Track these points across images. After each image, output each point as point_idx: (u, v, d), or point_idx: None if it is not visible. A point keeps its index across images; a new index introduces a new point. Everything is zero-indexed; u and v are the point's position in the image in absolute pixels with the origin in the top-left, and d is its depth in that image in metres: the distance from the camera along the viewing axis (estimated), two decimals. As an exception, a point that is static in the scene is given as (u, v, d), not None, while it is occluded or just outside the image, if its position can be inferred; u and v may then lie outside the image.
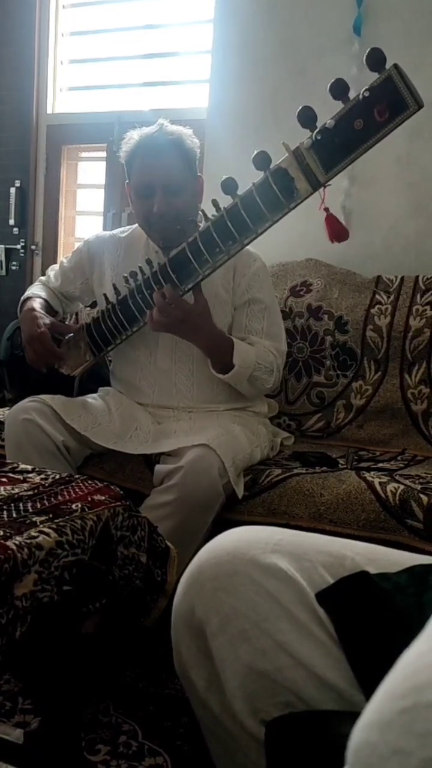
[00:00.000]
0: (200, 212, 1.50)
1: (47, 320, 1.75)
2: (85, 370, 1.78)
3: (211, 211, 1.45)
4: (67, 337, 1.79)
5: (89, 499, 1.03)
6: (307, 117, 1.25)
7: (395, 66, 1.16)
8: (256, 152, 1.32)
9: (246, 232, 1.40)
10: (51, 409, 1.57)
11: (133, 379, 1.76)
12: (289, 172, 1.31)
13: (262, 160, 1.32)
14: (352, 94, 1.22)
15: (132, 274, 1.61)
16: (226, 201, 1.41)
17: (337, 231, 1.39)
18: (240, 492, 1.49)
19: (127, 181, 1.71)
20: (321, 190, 1.30)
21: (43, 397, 1.60)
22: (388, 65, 1.17)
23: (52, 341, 1.73)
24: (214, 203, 1.43)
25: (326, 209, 1.34)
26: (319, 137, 1.25)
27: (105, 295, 1.70)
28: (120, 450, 1.57)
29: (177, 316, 1.52)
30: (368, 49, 1.17)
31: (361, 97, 1.20)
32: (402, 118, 1.18)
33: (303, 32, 2.28)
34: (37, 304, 1.80)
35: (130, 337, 1.68)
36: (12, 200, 2.99)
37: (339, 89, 1.21)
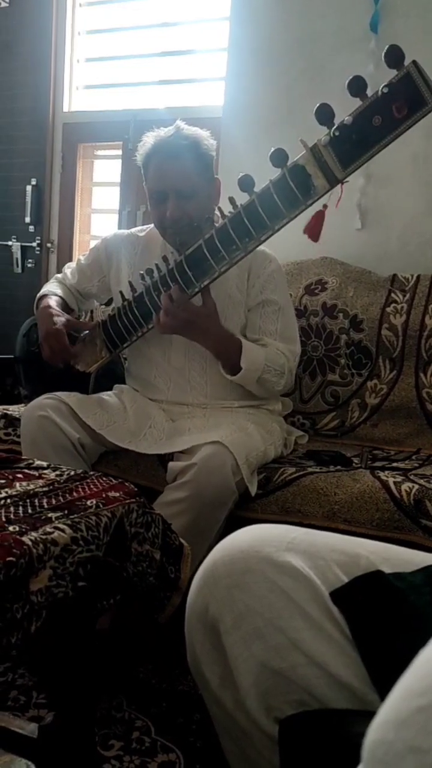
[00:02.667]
0: (217, 210, 1.50)
1: (63, 318, 1.76)
2: (101, 367, 1.79)
3: (227, 209, 1.45)
4: (83, 334, 1.79)
5: (104, 495, 1.03)
6: (324, 114, 1.25)
7: (414, 63, 1.16)
8: (273, 149, 1.32)
9: (263, 228, 1.40)
10: (67, 406, 1.58)
11: (148, 376, 1.77)
12: (307, 169, 1.30)
13: (279, 157, 1.32)
14: (369, 92, 1.22)
15: (148, 272, 1.61)
16: (242, 198, 1.41)
17: (314, 230, 1.39)
18: (253, 490, 1.49)
19: (144, 182, 1.71)
20: (338, 186, 1.29)
21: (59, 394, 1.61)
22: (406, 62, 1.17)
23: (68, 338, 1.74)
24: (231, 200, 1.43)
25: (324, 206, 1.34)
26: (336, 134, 1.25)
27: (121, 292, 1.71)
28: (134, 450, 1.58)
29: (184, 318, 1.53)
30: (387, 46, 1.17)
31: (379, 93, 1.19)
32: (421, 114, 1.17)
33: (319, 29, 2.27)
34: (53, 301, 1.81)
35: (145, 334, 1.68)
36: (28, 198, 3.01)
37: (357, 86, 1.21)
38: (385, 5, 2.15)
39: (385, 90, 1.19)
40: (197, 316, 1.55)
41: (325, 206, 1.34)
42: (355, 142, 1.24)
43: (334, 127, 1.25)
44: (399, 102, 1.17)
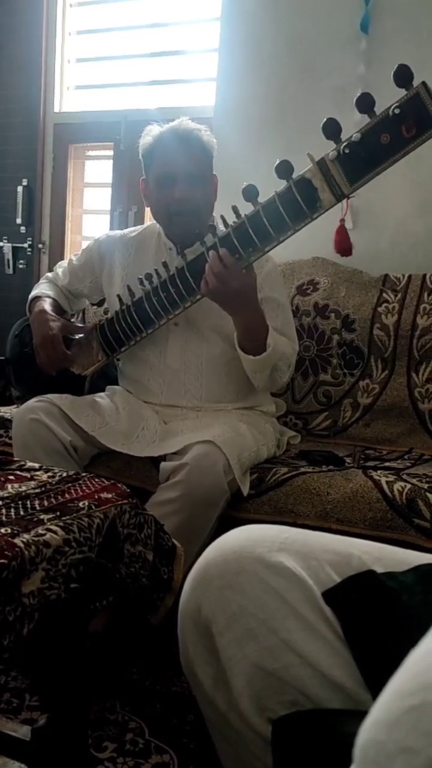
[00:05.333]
0: (221, 217, 1.49)
1: (59, 323, 1.75)
2: (97, 371, 1.78)
3: (228, 215, 1.44)
4: (78, 337, 1.78)
5: (96, 497, 1.03)
6: (331, 129, 1.26)
7: (423, 84, 1.18)
8: (278, 161, 1.32)
9: (267, 239, 1.40)
10: (58, 408, 1.57)
11: (142, 378, 1.76)
12: (313, 182, 1.31)
13: (284, 169, 1.32)
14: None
15: (147, 277, 1.60)
16: (244, 207, 1.41)
17: (343, 245, 1.41)
18: (245, 489, 1.49)
19: (142, 177, 1.71)
20: (344, 201, 1.30)
21: (51, 396, 1.60)
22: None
23: (63, 343, 1.73)
24: (234, 209, 1.42)
25: (341, 221, 1.35)
26: (346, 151, 1.25)
27: (119, 296, 1.70)
28: (127, 452, 1.58)
29: (234, 287, 1.46)
30: (396, 65, 1.17)
31: (390, 114, 1.20)
32: (429, 135, 1.18)
33: (310, 30, 2.27)
34: (47, 305, 1.80)
35: (144, 339, 1.68)
36: (19, 199, 3.00)
37: (365, 103, 1.21)
38: (376, 6, 2.15)
39: (396, 111, 1.19)
40: (246, 286, 1.48)
41: (341, 220, 1.37)
42: (364, 158, 1.25)
43: (344, 144, 1.26)
44: (408, 122, 1.18)
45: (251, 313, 1.55)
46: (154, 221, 1.79)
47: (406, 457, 1.76)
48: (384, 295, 2.00)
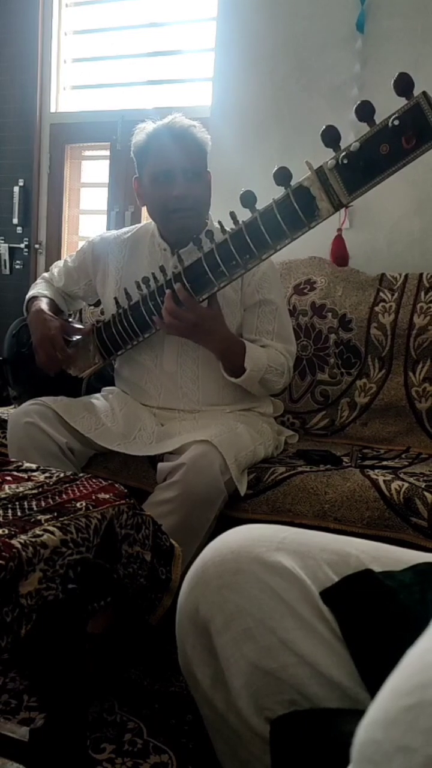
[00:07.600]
0: (217, 224, 1.49)
1: (57, 322, 1.74)
2: (94, 373, 1.78)
3: (224, 216, 1.44)
4: (75, 339, 1.78)
5: (93, 497, 1.03)
6: (330, 137, 1.25)
7: (424, 93, 1.16)
8: (277, 167, 1.31)
9: (264, 247, 1.39)
10: (53, 411, 1.56)
11: (139, 381, 1.76)
12: (311, 191, 1.30)
13: (282, 177, 1.31)
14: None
15: (144, 280, 1.60)
16: (242, 213, 1.41)
17: (340, 255, 1.41)
18: (242, 489, 1.49)
19: (136, 175, 1.70)
20: (342, 210, 1.30)
21: (45, 399, 1.60)
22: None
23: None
24: (232, 216, 1.42)
25: (339, 230, 1.35)
26: (345, 161, 1.24)
27: (116, 299, 1.70)
28: (124, 451, 1.57)
29: (191, 320, 1.51)
30: (397, 73, 1.16)
31: (389, 124, 1.19)
32: (429, 146, 1.17)
33: (306, 29, 2.28)
34: (44, 304, 1.79)
35: (141, 342, 1.67)
36: (15, 199, 3.00)
37: (365, 112, 1.20)
38: (371, 5, 2.15)
39: (396, 122, 1.18)
40: (204, 318, 1.53)
41: (339, 230, 1.36)
42: (362, 168, 1.23)
43: (342, 153, 1.25)
44: (408, 133, 1.17)
45: (217, 340, 1.59)
46: (149, 220, 1.78)
47: (403, 456, 1.76)
48: (381, 294, 2.00)
